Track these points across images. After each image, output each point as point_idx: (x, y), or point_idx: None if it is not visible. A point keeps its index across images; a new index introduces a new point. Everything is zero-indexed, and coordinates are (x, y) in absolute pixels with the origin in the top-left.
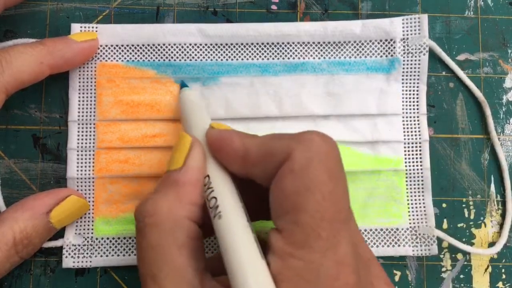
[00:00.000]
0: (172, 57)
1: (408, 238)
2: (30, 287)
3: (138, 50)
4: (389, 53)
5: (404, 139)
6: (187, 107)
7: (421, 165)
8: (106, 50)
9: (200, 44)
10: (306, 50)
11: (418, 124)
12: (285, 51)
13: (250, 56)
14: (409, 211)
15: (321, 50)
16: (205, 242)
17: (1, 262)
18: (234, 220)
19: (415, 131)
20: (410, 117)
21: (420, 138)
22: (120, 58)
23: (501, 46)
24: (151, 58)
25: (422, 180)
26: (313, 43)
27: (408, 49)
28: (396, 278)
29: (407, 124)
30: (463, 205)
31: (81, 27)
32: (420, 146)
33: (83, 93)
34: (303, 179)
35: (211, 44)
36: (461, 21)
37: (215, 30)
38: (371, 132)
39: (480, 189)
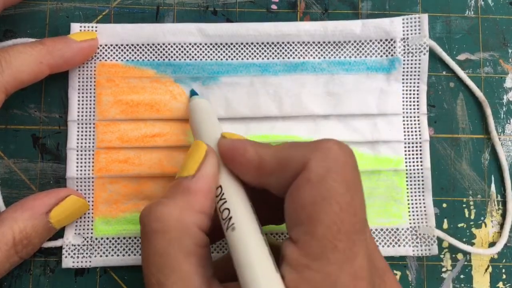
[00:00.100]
0: (172, 57)
1: (409, 238)
2: (30, 287)
3: (137, 50)
4: (389, 52)
5: (405, 139)
6: (197, 116)
7: (421, 165)
8: (106, 50)
9: (200, 44)
10: (306, 50)
11: (419, 124)
12: (285, 50)
13: (250, 56)
14: (409, 211)
15: (321, 50)
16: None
17: (0, 262)
18: (248, 232)
19: (416, 131)
20: (411, 117)
21: (420, 138)
22: (119, 58)
23: (501, 46)
24: (151, 57)
25: (422, 180)
26: (313, 42)
27: (408, 49)
28: (397, 278)
29: (407, 124)
30: (464, 205)
31: (80, 26)
32: (420, 146)
33: (82, 93)
34: (320, 189)
35: (211, 44)
36: (461, 20)
37: (215, 30)
38: (371, 132)
39: (480, 189)
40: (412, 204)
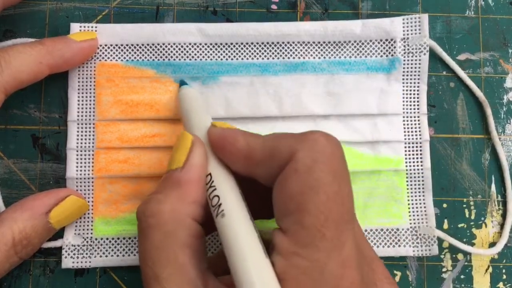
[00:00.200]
0: (171, 57)
1: (409, 239)
2: (30, 287)
3: (137, 50)
4: (389, 52)
5: (405, 139)
6: (187, 105)
7: (421, 165)
8: (106, 50)
9: (200, 44)
10: (306, 50)
11: (419, 124)
12: (285, 50)
13: (250, 56)
14: (409, 211)
15: (321, 50)
16: (207, 240)
17: (0, 263)
18: (237, 218)
19: (416, 131)
20: (411, 117)
21: (420, 138)
22: (119, 58)
23: (501, 46)
24: (151, 57)
25: (422, 180)
26: (313, 42)
27: (408, 49)
28: (397, 279)
29: (408, 124)
30: (464, 205)
31: (80, 26)
32: (420, 146)
33: (82, 93)
34: (308, 180)
35: (211, 44)
36: (461, 20)
37: (215, 30)
38: (371, 132)
39: (480, 189)
40: (412, 204)
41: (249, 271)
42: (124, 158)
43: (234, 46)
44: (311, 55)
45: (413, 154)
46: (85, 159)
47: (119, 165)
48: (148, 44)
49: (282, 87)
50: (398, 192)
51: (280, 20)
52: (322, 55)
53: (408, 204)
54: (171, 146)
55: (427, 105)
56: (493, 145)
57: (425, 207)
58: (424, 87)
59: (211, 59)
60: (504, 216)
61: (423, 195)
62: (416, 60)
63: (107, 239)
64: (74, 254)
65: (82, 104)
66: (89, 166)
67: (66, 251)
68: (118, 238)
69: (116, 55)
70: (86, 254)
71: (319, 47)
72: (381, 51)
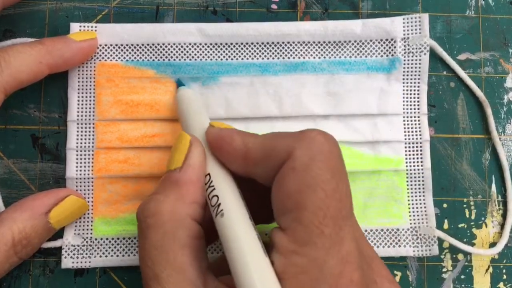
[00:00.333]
0: (171, 57)
1: (409, 239)
2: (29, 287)
3: (137, 50)
4: (389, 52)
5: (405, 139)
6: (184, 106)
7: (421, 165)
8: (106, 50)
9: (200, 44)
10: (306, 50)
11: (419, 124)
12: (285, 50)
13: (250, 56)
14: (409, 212)
15: (321, 50)
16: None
17: (0, 263)
18: (236, 218)
19: (416, 131)
20: (411, 117)
21: (420, 138)
22: (119, 58)
23: (502, 45)
24: (151, 57)
25: (422, 180)
26: (313, 42)
27: (409, 49)
28: (397, 279)
29: (408, 124)
30: (464, 205)
31: (80, 26)
32: (420, 146)
33: (82, 93)
34: (305, 177)
35: (210, 44)
36: (462, 20)
37: (215, 30)
38: (371, 132)
39: (481, 189)
40: (412, 204)
41: (249, 271)
42: (124, 158)
43: (234, 46)
44: (311, 55)
45: (413, 154)
46: (85, 159)
47: (119, 165)
48: (148, 44)
49: (282, 87)
50: (398, 192)
51: (280, 20)
52: (322, 55)
53: (408, 204)
54: (171, 146)
55: (427, 105)
56: (493, 145)
57: (425, 207)
58: (424, 87)
59: (211, 59)
60: (504, 216)
61: (423, 195)
62: (416, 60)
63: (107, 239)
64: (74, 254)
65: (82, 104)
66: (89, 166)
67: (66, 251)
68: (118, 238)
69: (116, 55)
70: (86, 254)
71: (319, 47)
72: (381, 51)
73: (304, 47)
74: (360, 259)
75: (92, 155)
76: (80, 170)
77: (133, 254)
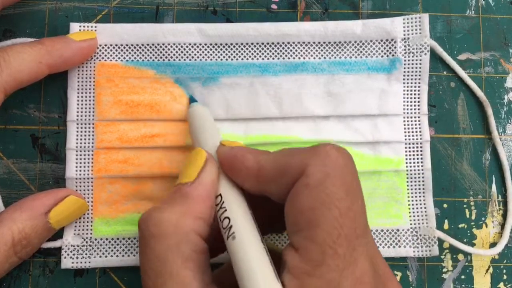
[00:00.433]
0: (171, 57)
1: (409, 239)
2: (29, 287)
3: (137, 50)
4: (390, 53)
5: (405, 139)
6: (196, 123)
7: (422, 166)
8: (105, 50)
9: (200, 44)
10: (306, 50)
11: (419, 124)
12: (285, 51)
13: (250, 56)
14: (409, 212)
15: (322, 50)
16: None
17: (0, 263)
18: (248, 241)
19: (416, 131)
20: (411, 117)
21: (421, 138)
22: (119, 58)
23: (502, 45)
24: (151, 58)
25: (423, 181)
26: (314, 43)
27: (409, 49)
28: (397, 279)
29: (408, 124)
30: (464, 206)
31: (80, 26)
32: (421, 146)
33: (82, 93)
34: (319, 195)
35: (210, 44)
36: (462, 20)
37: (215, 30)
38: (371, 132)
39: (481, 189)
40: (412, 204)
41: None
42: (123, 158)
43: (234, 46)
44: (311, 55)
45: (413, 155)
46: (84, 159)
47: (118, 165)
48: (148, 44)
49: (282, 88)
50: (399, 193)
51: (280, 20)
52: (322, 55)
53: (409, 204)
54: (171, 146)
55: (427, 105)
56: (493, 145)
57: (425, 207)
58: (424, 87)
59: (211, 60)
60: (504, 216)
61: (424, 196)
62: (416, 60)
63: (106, 239)
64: (73, 254)
65: (82, 104)
66: (88, 166)
67: (65, 251)
68: (118, 239)
69: (116, 55)
70: (86, 254)
71: (319, 47)
72: (382, 51)
73: (304, 48)
74: (375, 279)
75: (92, 155)
76: (80, 170)
77: (132, 254)
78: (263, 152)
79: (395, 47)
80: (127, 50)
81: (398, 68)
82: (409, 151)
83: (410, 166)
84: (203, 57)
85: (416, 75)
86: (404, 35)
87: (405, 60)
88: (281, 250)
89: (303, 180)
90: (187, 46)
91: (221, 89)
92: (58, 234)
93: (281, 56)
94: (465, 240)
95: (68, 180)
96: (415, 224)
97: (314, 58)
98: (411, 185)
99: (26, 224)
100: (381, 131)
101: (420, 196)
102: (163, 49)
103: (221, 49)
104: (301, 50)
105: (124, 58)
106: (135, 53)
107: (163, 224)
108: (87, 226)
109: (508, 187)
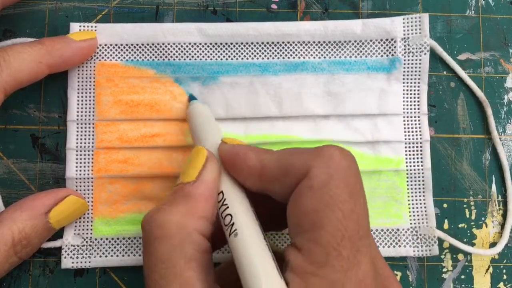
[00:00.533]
0: (171, 57)
1: (409, 239)
2: (29, 287)
3: (137, 50)
4: (390, 52)
5: (405, 139)
6: (197, 121)
7: (422, 165)
8: (105, 50)
9: (200, 44)
10: (306, 50)
11: (419, 124)
12: (285, 50)
13: (250, 56)
14: (409, 212)
15: (322, 50)
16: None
17: (0, 263)
18: (250, 238)
19: (416, 131)
20: (411, 117)
21: (421, 138)
22: (119, 58)
23: (502, 45)
24: (151, 57)
25: (423, 180)
26: (314, 42)
27: (409, 49)
28: (397, 279)
29: (408, 124)
30: (464, 205)
31: (80, 26)
32: (421, 146)
33: (82, 93)
34: (323, 196)
35: (210, 44)
36: (462, 20)
37: (215, 30)
38: (371, 132)
39: (481, 189)
40: (412, 204)
41: None
42: (123, 158)
43: (234, 46)
44: (311, 55)
45: (413, 154)
46: (84, 159)
47: (118, 165)
48: (148, 44)
49: (282, 87)
50: (399, 192)
51: (280, 20)
52: (322, 55)
53: (409, 204)
54: (171, 146)
55: (427, 105)
56: (493, 145)
57: (425, 207)
58: (424, 87)
59: (211, 59)
60: (504, 216)
61: (424, 195)
62: (416, 60)
63: (106, 239)
64: (73, 254)
65: (82, 104)
66: (88, 166)
67: (65, 251)
68: (118, 238)
69: (116, 55)
70: (86, 254)
71: (319, 47)
72: (382, 51)
73: (304, 47)
74: (376, 280)
75: (92, 155)
76: (80, 170)
77: (133, 254)
78: (265, 151)
79: (395, 47)
80: (127, 50)
81: (398, 68)
82: (409, 151)
83: (410, 166)
84: (203, 56)
85: (416, 75)
86: (404, 35)
87: (405, 60)
88: (282, 250)
89: (306, 182)
90: (187, 46)
91: (221, 89)
92: (58, 234)
93: (281, 55)
94: (465, 240)
95: (68, 180)
96: (415, 223)
97: (314, 57)
98: (411, 185)
99: (26, 224)
100: (381, 131)
101: (420, 196)
102: (163, 49)
103: (221, 49)
104: (301, 50)
105: (124, 57)
106: (135, 52)
107: (166, 225)
108: (87, 226)
109: (508, 187)
